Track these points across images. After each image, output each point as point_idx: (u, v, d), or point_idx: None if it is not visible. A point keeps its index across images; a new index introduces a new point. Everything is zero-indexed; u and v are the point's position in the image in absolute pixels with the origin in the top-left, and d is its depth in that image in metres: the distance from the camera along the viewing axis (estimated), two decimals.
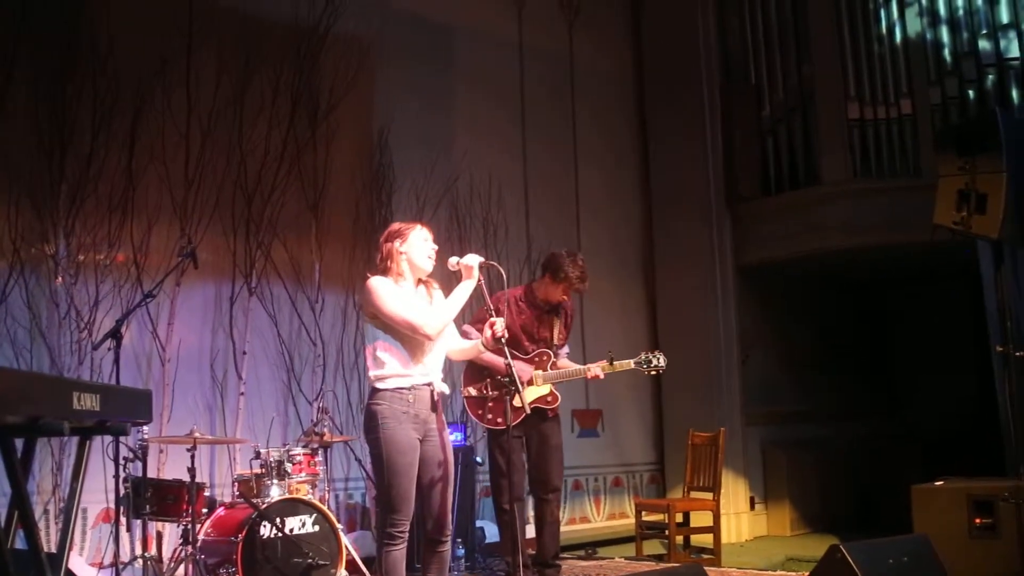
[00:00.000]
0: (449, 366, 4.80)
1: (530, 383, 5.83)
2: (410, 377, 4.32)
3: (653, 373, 5.88)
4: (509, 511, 5.74)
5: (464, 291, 4.44)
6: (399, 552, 4.28)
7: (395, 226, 4.54)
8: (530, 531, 6.58)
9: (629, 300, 9.51)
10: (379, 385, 4.32)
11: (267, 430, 6.75)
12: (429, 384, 4.39)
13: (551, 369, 5.91)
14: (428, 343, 4.37)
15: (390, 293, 4.31)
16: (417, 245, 4.45)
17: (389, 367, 4.32)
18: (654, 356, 5.79)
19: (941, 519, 5.67)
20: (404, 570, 4.33)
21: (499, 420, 5.80)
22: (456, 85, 8.47)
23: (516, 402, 5.71)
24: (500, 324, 4.41)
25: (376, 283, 4.34)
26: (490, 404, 5.83)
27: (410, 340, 4.33)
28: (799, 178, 8.99)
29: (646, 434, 9.49)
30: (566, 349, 6.13)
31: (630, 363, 5.80)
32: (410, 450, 4.28)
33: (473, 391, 5.92)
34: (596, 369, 5.80)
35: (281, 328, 7.04)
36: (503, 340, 4.42)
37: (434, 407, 4.41)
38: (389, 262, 4.42)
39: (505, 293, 5.64)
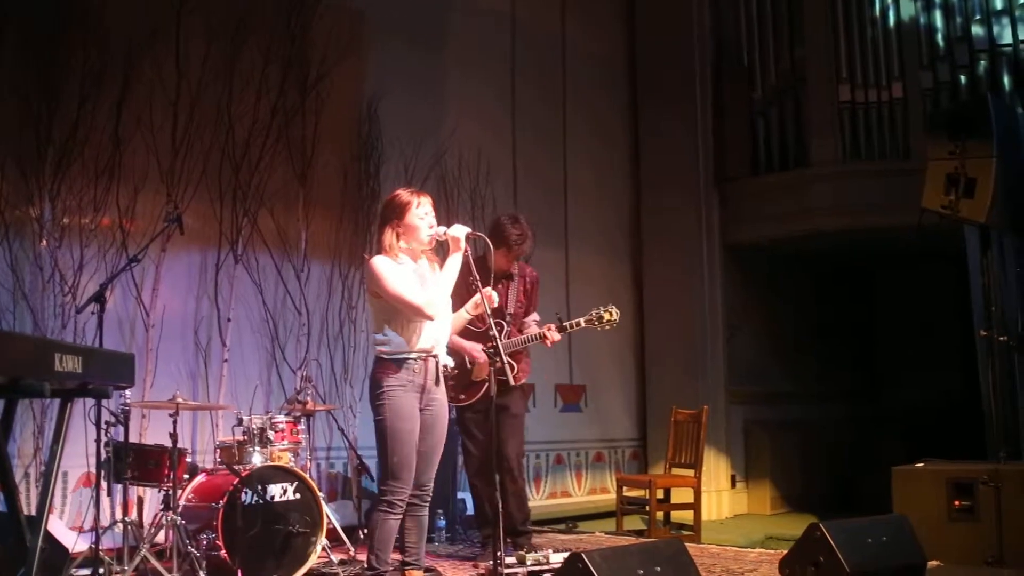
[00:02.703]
0: None
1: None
2: (415, 350, 4.38)
3: (607, 328, 5.72)
4: (475, 484, 5.96)
5: (454, 264, 4.46)
6: (395, 521, 4.34)
7: (392, 202, 4.51)
8: None
9: (615, 276, 9.50)
10: (385, 356, 4.39)
11: (250, 398, 6.73)
12: (435, 356, 4.46)
13: (506, 339, 5.90)
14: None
15: (391, 274, 4.35)
16: (415, 223, 4.45)
17: (395, 340, 4.38)
18: (606, 311, 5.63)
19: (921, 501, 5.71)
20: (394, 540, 4.36)
21: (461, 396, 5.97)
22: (447, 59, 8.41)
23: (477, 376, 5.82)
24: (490, 293, 4.47)
25: (378, 264, 4.38)
26: (451, 383, 5.87)
27: (413, 318, 4.37)
28: (789, 159, 9.00)
29: (629, 410, 9.52)
30: (535, 316, 6.14)
31: (580, 321, 5.72)
32: (411, 418, 4.36)
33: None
34: (546, 333, 5.76)
35: (266, 296, 7.02)
36: (490, 310, 4.47)
37: (437, 379, 4.48)
38: (387, 243, 4.44)
39: None
